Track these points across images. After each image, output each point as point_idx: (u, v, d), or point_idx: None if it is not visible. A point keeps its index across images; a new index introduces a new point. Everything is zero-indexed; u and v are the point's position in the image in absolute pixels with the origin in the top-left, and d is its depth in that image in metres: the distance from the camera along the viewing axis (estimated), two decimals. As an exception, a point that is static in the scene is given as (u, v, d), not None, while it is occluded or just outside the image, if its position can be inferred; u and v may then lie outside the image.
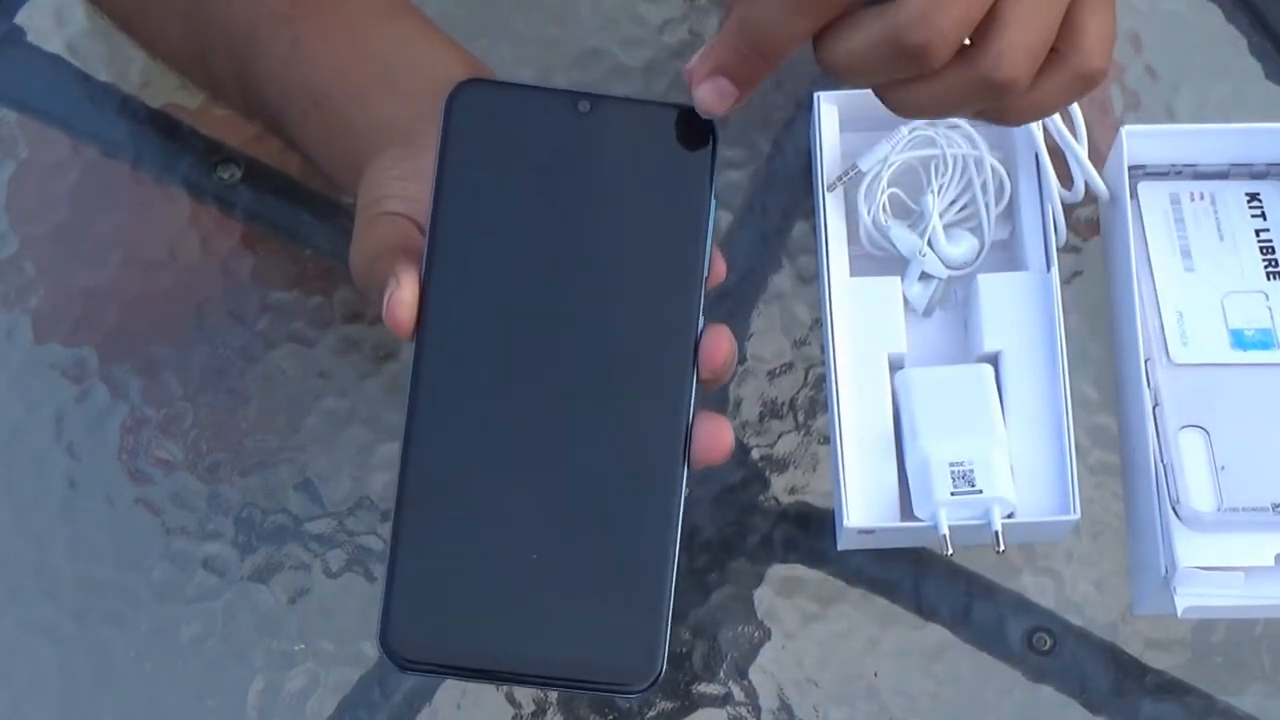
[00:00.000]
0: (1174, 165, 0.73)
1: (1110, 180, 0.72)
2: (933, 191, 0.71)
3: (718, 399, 0.73)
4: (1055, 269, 0.70)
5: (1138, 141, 0.72)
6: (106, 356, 0.74)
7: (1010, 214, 0.72)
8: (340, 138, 0.61)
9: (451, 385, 0.51)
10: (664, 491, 0.51)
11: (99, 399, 0.73)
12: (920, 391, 0.68)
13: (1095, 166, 0.72)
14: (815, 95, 0.73)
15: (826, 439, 0.72)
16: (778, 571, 0.71)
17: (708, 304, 0.52)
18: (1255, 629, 0.70)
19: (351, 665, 0.69)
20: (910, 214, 0.71)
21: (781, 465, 0.72)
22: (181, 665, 0.70)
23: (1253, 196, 0.72)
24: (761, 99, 0.78)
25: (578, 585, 0.51)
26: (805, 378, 0.74)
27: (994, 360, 0.69)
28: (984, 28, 0.49)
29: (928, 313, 0.71)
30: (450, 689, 0.69)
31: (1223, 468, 0.67)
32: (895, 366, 0.70)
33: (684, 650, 0.70)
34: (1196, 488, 0.66)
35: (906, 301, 0.71)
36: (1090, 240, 0.75)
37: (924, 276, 0.71)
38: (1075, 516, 0.67)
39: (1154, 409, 0.68)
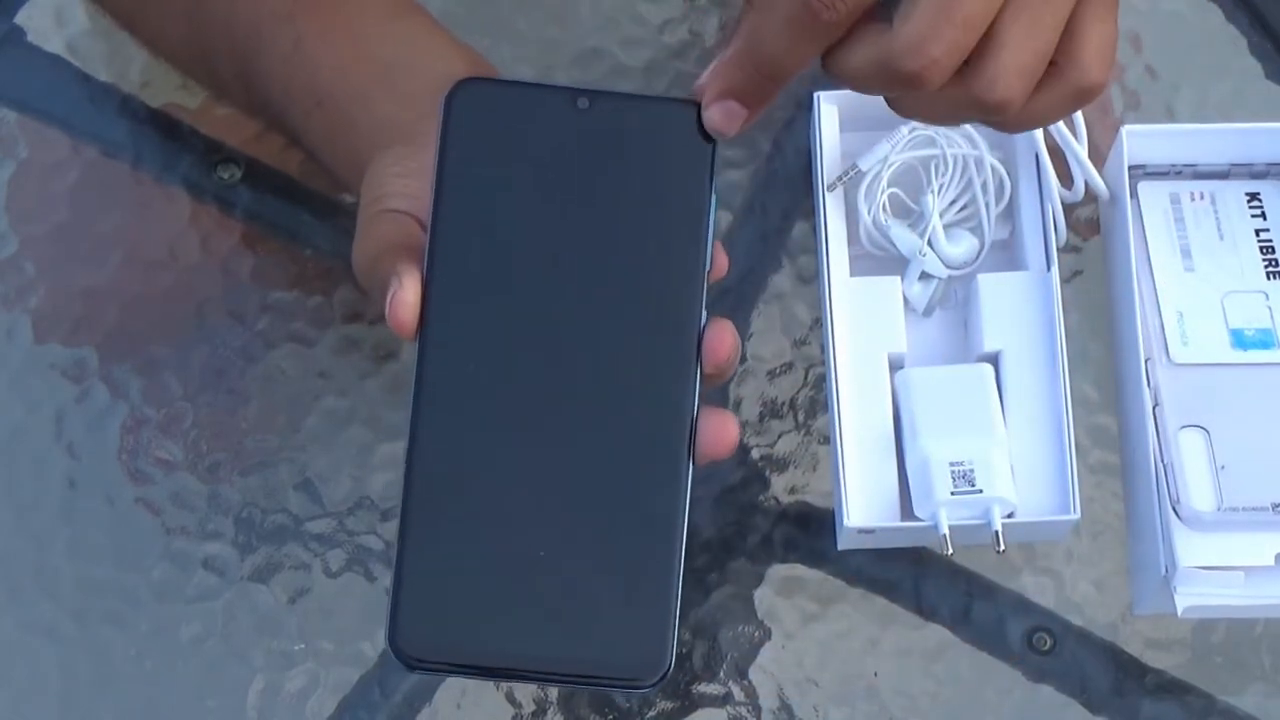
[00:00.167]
0: (1174, 165, 0.73)
1: (1110, 180, 0.72)
2: (933, 191, 0.71)
3: (718, 398, 0.73)
4: (1055, 269, 0.70)
5: (1138, 141, 0.72)
6: (106, 356, 0.74)
7: (1010, 214, 0.72)
8: (343, 136, 0.61)
9: (455, 384, 0.51)
10: (669, 486, 0.51)
11: (99, 399, 0.73)
12: (920, 391, 0.68)
13: (1095, 166, 0.72)
14: (815, 95, 0.73)
15: (826, 439, 0.72)
16: (778, 571, 0.71)
17: (710, 299, 0.52)
18: (1255, 629, 0.70)
19: (351, 665, 0.69)
20: (910, 214, 0.71)
21: (781, 465, 0.72)
22: (181, 665, 0.70)
23: (1253, 196, 0.72)
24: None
25: (585, 581, 0.51)
26: (805, 378, 0.74)
27: (994, 360, 0.69)
28: (979, 48, 0.49)
29: (928, 313, 0.71)
30: (450, 689, 0.69)
31: (1223, 467, 0.67)
32: (895, 366, 0.70)
33: (684, 650, 0.70)
34: (1196, 487, 0.66)
35: (906, 301, 0.71)
36: (1090, 240, 0.75)
37: (924, 276, 0.71)
38: (1075, 516, 0.67)
39: (1154, 409, 0.68)
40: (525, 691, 0.69)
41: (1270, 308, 0.70)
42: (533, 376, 0.51)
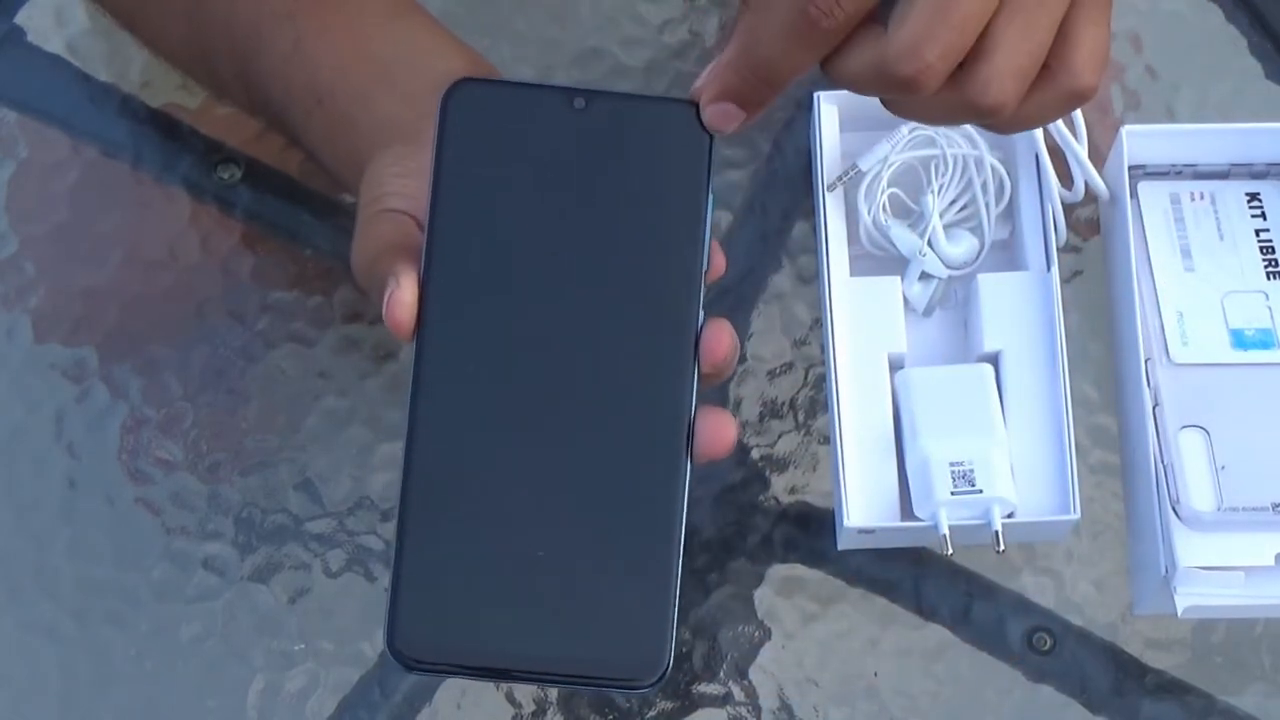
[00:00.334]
0: (1174, 165, 0.73)
1: (1110, 180, 0.72)
2: (933, 191, 0.71)
3: (718, 398, 0.73)
4: (1055, 269, 0.70)
5: (1138, 141, 0.72)
6: (106, 356, 0.74)
7: (1010, 214, 0.72)
8: (343, 136, 0.61)
9: (453, 384, 0.51)
10: (667, 485, 0.51)
11: (99, 399, 0.73)
12: (920, 391, 0.68)
13: (1095, 166, 0.72)
14: (815, 95, 0.73)
15: (826, 439, 0.72)
16: (778, 571, 0.71)
17: (708, 298, 0.52)
18: (1255, 629, 0.70)
19: (351, 665, 0.69)
20: (910, 214, 0.71)
21: (781, 465, 0.72)
22: (181, 665, 0.70)
23: (1253, 196, 0.72)
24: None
25: (583, 581, 0.51)
26: (805, 378, 0.74)
27: (994, 360, 0.69)
28: (974, 51, 0.49)
29: (928, 313, 0.71)
30: (450, 689, 0.69)
31: (1223, 467, 0.67)
32: (895, 366, 0.70)
33: (684, 650, 0.70)
34: (1196, 487, 0.66)
35: (906, 301, 0.71)
36: (1090, 240, 0.75)
37: (924, 276, 0.71)
38: (1075, 516, 0.67)
39: (1154, 409, 0.68)
40: (525, 691, 0.69)
41: (1270, 308, 0.70)
42: (530, 376, 0.51)
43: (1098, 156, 0.73)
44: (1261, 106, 0.78)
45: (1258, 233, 0.72)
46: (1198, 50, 0.80)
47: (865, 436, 0.68)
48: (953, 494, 0.66)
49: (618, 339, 0.52)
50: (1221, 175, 0.73)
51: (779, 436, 0.73)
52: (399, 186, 0.56)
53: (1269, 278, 0.71)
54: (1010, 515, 0.66)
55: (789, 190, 0.76)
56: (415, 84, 0.60)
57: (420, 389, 0.51)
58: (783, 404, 0.73)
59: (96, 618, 0.70)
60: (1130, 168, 0.72)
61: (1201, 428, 0.67)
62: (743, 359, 0.73)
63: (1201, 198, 0.73)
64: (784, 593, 0.71)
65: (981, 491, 0.66)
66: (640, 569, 0.51)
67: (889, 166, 0.71)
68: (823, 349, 0.71)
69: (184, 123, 0.77)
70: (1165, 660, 0.69)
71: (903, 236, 0.71)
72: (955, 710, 0.70)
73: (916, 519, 0.67)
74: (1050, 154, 0.71)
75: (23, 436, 0.73)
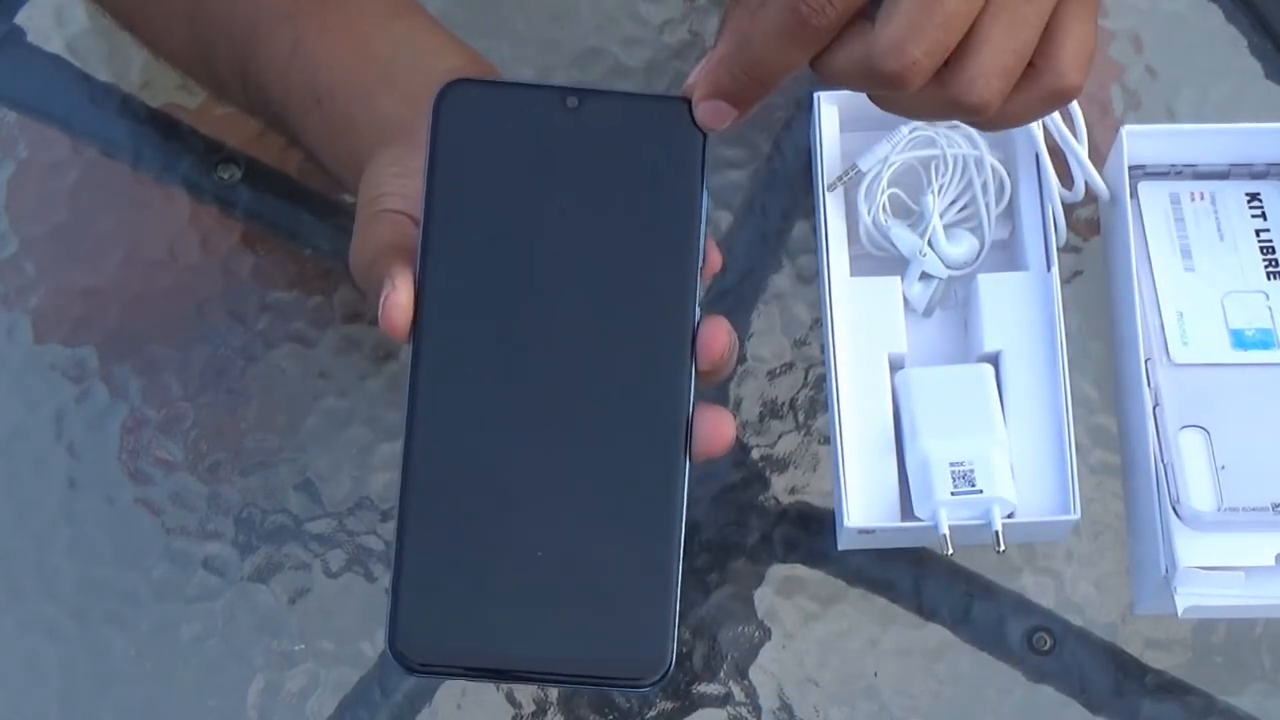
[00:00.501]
0: (1174, 165, 0.73)
1: (1110, 180, 0.72)
2: (933, 191, 0.71)
3: (718, 398, 0.73)
4: (1055, 269, 0.70)
5: (1138, 141, 0.72)
6: (106, 356, 0.74)
7: (1010, 214, 0.72)
8: (343, 136, 0.61)
9: (450, 386, 0.51)
10: (666, 484, 0.51)
11: (99, 399, 0.73)
12: (920, 391, 0.68)
13: (1095, 166, 0.72)
14: (815, 95, 0.73)
15: (826, 439, 0.72)
16: (778, 571, 0.71)
17: (706, 296, 0.52)
18: (1255, 629, 0.70)
19: (351, 665, 0.69)
20: (910, 214, 0.71)
21: (781, 465, 0.72)
22: (181, 665, 0.70)
23: (1253, 196, 0.72)
24: (761, 99, 0.78)
25: (584, 581, 0.51)
26: (805, 378, 0.74)
27: (994, 360, 0.69)
28: (960, 48, 0.49)
29: (928, 313, 0.71)
30: (450, 688, 0.69)
31: (1223, 468, 0.67)
32: (895, 366, 0.70)
33: (684, 650, 0.70)
34: (1197, 487, 0.66)
35: (906, 301, 0.71)
36: (1090, 240, 0.75)
37: (924, 276, 0.71)
38: (1075, 516, 0.67)
39: (1154, 409, 0.68)
40: (525, 691, 0.69)
41: (1270, 308, 0.70)
42: (527, 377, 0.51)
43: (1098, 156, 0.73)
44: (1261, 106, 0.78)
45: (1258, 233, 0.72)
46: (1198, 50, 0.80)
47: (865, 436, 0.68)
48: (953, 494, 0.66)
49: (614, 337, 0.52)
50: (1221, 175, 0.73)
51: (779, 436, 0.73)
52: (397, 186, 0.56)
53: (1269, 278, 0.71)
54: (1010, 515, 0.66)
55: (789, 190, 0.76)
56: (415, 84, 0.60)
57: (417, 391, 0.51)
58: (783, 404, 0.73)
59: (96, 618, 0.70)
60: (1130, 168, 0.72)
61: (1201, 428, 0.67)
62: (743, 359, 0.73)
63: (1201, 198, 0.73)
64: (784, 593, 0.71)
65: (981, 491, 0.66)
66: (641, 567, 0.51)
67: (889, 166, 0.71)
68: (823, 349, 0.71)
69: (184, 123, 0.77)
70: (1165, 660, 0.69)
71: (903, 236, 0.71)
72: (955, 710, 0.70)
73: (916, 519, 0.67)
74: (1050, 154, 0.71)
75: (23, 436, 0.73)
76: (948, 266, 0.70)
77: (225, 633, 0.70)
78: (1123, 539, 0.71)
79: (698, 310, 0.52)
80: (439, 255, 0.52)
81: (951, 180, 0.71)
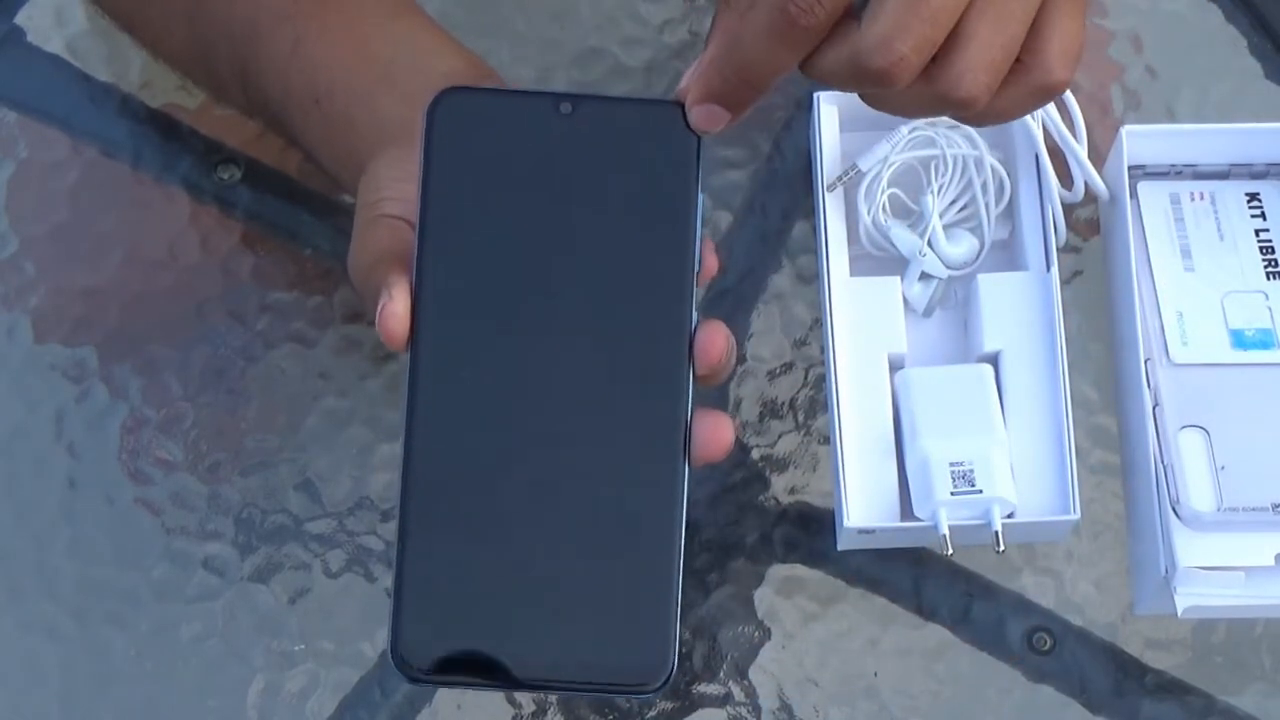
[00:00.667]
0: (1174, 165, 0.73)
1: (1110, 180, 0.72)
2: (933, 191, 0.71)
3: (718, 399, 0.73)
4: (1055, 269, 0.70)
5: (1138, 141, 0.72)
6: (106, 356, 0.74)
7: (1010, 214, 0.72)
8: (342, 136, 0.61)
9: (448, 393, 0.51)
10: (666, 489, 0.51)
11: (99, 399, 0.73)
12: (920, 391, 0.68)
13: (1095, 166, 0.72)
14: (815, 95, 0.73)
15: (826, 439, 0.72)
16: (778, 571, 0.71)
17: (704, 299, 0.52)
18: (1255, 629, 0.70)
19: (351, 665, 0.69)
20: (910, 214, 0.71)
21: (781, 465, 0.72)
22: (181, 665, 0.70)
23: (1253, 196, 0.72)
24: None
25: (585, 587, 0.51)
26: (805, 378, 0.74)
27: (994, 360, 0.69)
28: (947, 44, 0.49)
29: (928, 313, 0.71)
30: (450, 689, 0.69)
31: (1223, 468, 0.67)
32: (895, 366, 0.70)
33: (684, 650, 0.70)
34: (1196, 488, 0.66)
35: (906, 301, 0.71)
36: (1090, 240, 0.75)
37: (924, 276, 0.71)
38: (1075, 516, 0.67)
39: (1154, 409, 0.68)
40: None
41: (1270, 308, 0.70)
42: (525, 383, 0.51)
43: (1098, 156, 0.73)
44: (1261, 106, 0.78)
45: (1258, 233, 0.72)
46: (1198, 50, 0.80)
47: (865, 436, 0.68)
48: (953, 494, 0.66)
49: (611, 343, 0.52)
50: (1221, 175, 0.73)
51: (779, 436, 0.73)
52: (396, 191, 0.56)
53: (1269, 278, 0.71)
54: (1010, 515, 0.66)
55: (789, 190, 0.76)
56: (414, 84, 0.60)
57: (416, 399, 0.51)
58: (783, 404, 0.73)
59: (96, 618, 0.70)
60: (1130, 168, 0.72)
61: (1201, 428, 0.67)
62: (743, 359, 0.73)
63: (1201, 198, 0.73)
64: (784, 593, 0.71)
65: (981, 491, 0.66)
66: (641, 573, 0.51)
67: (889, 166, 0.71)
68: (823, 349, 0.71)
69: (184, 123, 0.77)
70: (1165, 660, 0.69)
71: (903, 236, 0.71)
72: (955, 710, 0.70)
73: (916, 519, 0.67)
74: (1050, 154, 0.71)
75: (23, 436, 0.73)
76: (948, 266, 0.70)
77: (225, 633, 0.70)
78: (1123, 539, 0.71)
79: (695, 314, 0.52)
80: (434, 263, 0.52)
81: (951, 180, 0.71)
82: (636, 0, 0.80)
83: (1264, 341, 0.69)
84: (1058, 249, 0.71)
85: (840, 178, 0.71)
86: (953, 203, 0.71)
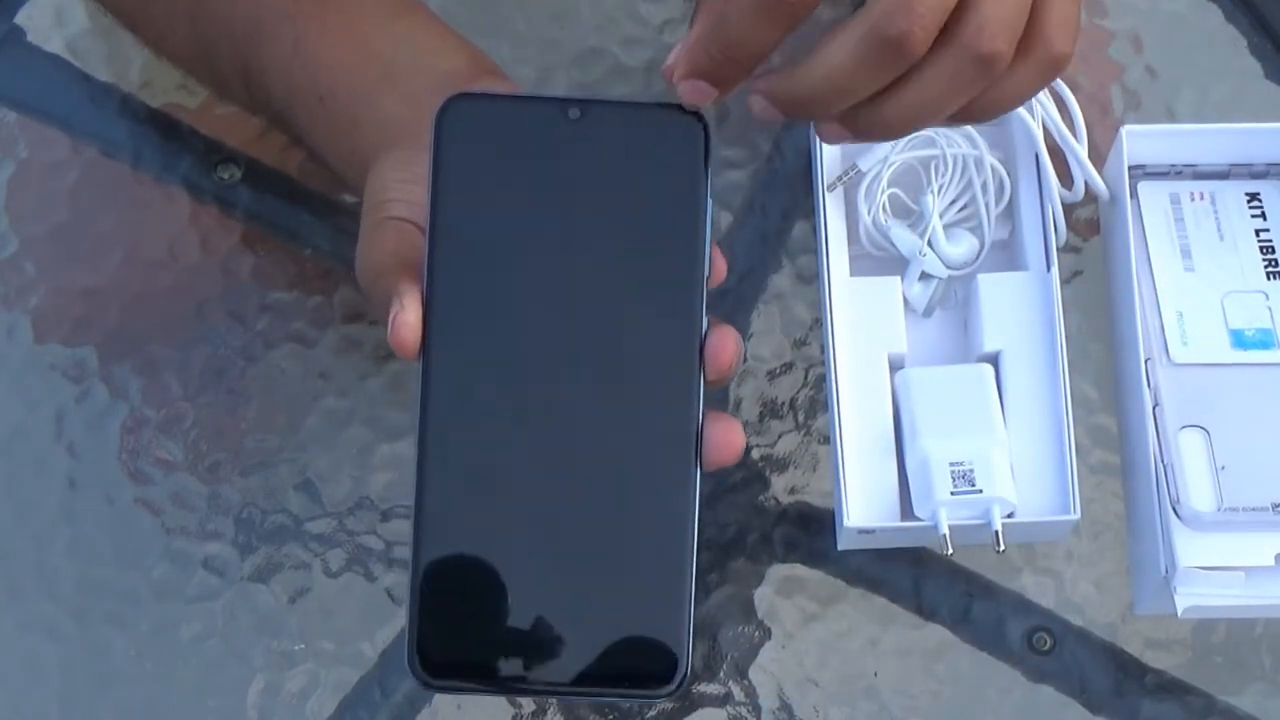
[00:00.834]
0: (1174, 165, 0.73)
1: (1110, 180, 0.72)
2: (933, 191, 0.71)
3: (718, 399, 0.73)
4: (1055, 269, 0.70)
5: (1138, 141, 0.72)
6: (106, 356, 0.74)
7: (1010, 214, 0.72)
8: (346, 134, 0.61)
9: (461, 401, 0.51)
10: (678, 494, 0.51)
11: (99, 399, 0.73)
12: (920, 391, 0.68)
13: (1095, 166, 0.72)
14: (815, 95, 0.73)
15: (826, 439, 0.72)
16: (778, 571, 0.71)
17: (709, 302, 0.52)
18: (1255, 629, 0.70)
19: (351, 665, 0.69)
20: (910, 214, 0.71)
21: (781, 465, 0.72)
22: (181, 665, 0.70)
23: (1253, 196, 0.72)
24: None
25: (598, 593, 0.51)
26: (805, 378, 0.74)
27: (994, 360, 0.69)
28: (958, 10, 0.49)
29: (928, 313, 0.71)
30: (450, 689, 0.69)
31: (1223, 468, 0.67)
32: (895, 366, 0.70)
33: (684, 650, 0.70)
34: (1196, 488, 0.66)
35: (906, 301, 0.71)
36: (1090, 240, 0.75)
37: (924, 276, 0.71)
38: (1075, 516, 0.67)
39: (1154, 409, 0.68)
40: (525, 691, 0.69)
41: (1270, 308, 0.70)
42: (537, 391, 0.51)
43: (1098, 156, 0.73)
44: (1261, 106, 0.78)
45: (1258, 233, 0.72)
46: (1198, 50, 0.80)
47: (865, 436, 0.68)
48: (953, 494, 0.66)
49: (623, 349, 0.52)
50: (1221, 175, 0.73)
51: (779, 436, 0.73)
52: (403, 193, 0.56)
53: (1269, 278, 0.71)
54: (1010, 515, 0.66)
55: (789, 190, 0.76)
56: (418, 82, 0.60)
57: (428, 406, 0.51)
58: (783, 404, 0.73)
59: (96, 618, 0.70)
60: (1130, 168, 0.72)
61: (1201, 428, 0.67)
62: (743, 359, 0.73)
63: (1201, 198, 0.73)
64: (784, 593, 0.71)
65: (981, 491, 0.66)
66: (655, 578, 0.51)
67: (889, 166, 0.71)
68: (823, 349, 0.71)
69: (184, 123, 0.77)
70: (1165, 660, 0.69)
71: (903, 236, 0.71)
72: (955, 710, 0.70)
73: (916, 519, 0.67)
74: (1050, 154, 0.71)
75: (23, 436, 0.73)
76: (948, 266, 0.70)
77: (225, 633, 0.70)
78: (1123, 539, 0.71)
79: (705, 319, 0.52)
80: (445, 271, 0.52)
81: (951, 180, 0.71)
82: (636, 0, 0.80)
83: (1264, 341, 0.69)
84: (1058, 249, 0.71)
85: (840, 178, 0.71)
86: (953, 203, 0.71)
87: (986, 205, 0.71)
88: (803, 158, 0.76)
